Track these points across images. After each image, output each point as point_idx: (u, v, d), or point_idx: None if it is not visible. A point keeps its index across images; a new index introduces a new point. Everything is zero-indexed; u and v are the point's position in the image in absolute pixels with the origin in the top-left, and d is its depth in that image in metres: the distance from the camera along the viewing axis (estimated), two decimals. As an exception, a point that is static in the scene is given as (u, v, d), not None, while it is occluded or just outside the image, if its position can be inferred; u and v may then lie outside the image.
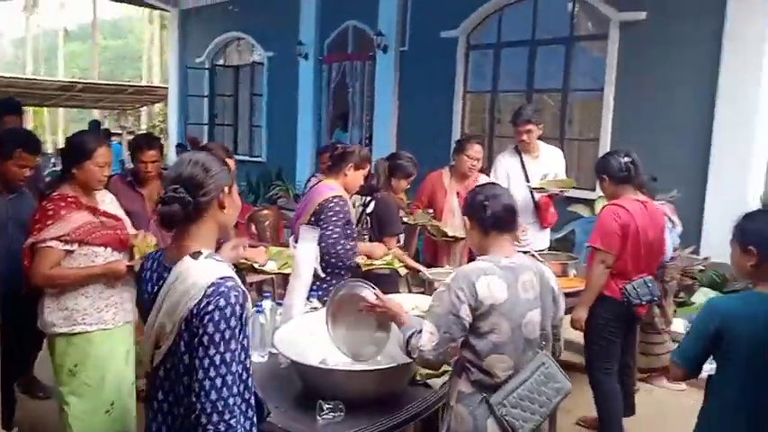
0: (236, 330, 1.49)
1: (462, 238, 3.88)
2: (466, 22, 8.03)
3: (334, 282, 2.93)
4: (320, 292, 2.97)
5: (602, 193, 3.83)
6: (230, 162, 2.69)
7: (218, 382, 1.46)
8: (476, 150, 4.11)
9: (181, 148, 10.99)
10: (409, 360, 2.05)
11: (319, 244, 2.88)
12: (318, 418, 2.00)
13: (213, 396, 1.45)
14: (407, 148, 4.54)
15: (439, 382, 2.28)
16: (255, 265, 2.95)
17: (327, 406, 2.01)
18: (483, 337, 1.93)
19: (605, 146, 6.52)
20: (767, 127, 5.74)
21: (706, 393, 2.15)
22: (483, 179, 4.03)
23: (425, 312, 2.07)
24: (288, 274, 2.85)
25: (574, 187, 4.39)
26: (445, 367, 2.08)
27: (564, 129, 7.26)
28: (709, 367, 2.11)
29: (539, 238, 4.30)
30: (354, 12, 9.35)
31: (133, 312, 2.68)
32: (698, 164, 5.97)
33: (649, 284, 3.24)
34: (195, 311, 1.47)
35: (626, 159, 3.26)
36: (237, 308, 1.49)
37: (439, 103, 8.29)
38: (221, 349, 1.46)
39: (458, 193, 4.07)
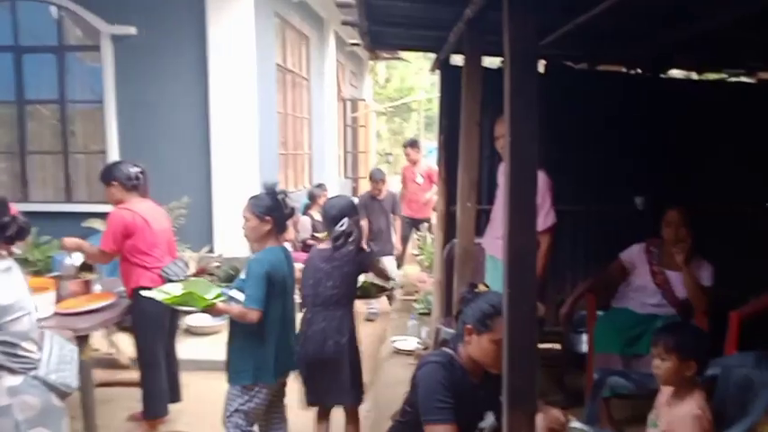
0: None
1: None
2: None
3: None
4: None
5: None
6: None
7: None
8: None
9: None
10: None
11: None
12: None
13: None
14: None
15: None
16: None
17: None
18: None
19: (113, 159, 6.30)
20: (255, 127, 6.56)
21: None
22: None
23: None
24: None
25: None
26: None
27: (67, 142, 6.89)
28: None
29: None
30: None
31: None
32: (202, 170, 6.40)
33: (180, 263, 3.62)
34: None
35: (135, 169, 3.56)
36: None
37: None
38: None
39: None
